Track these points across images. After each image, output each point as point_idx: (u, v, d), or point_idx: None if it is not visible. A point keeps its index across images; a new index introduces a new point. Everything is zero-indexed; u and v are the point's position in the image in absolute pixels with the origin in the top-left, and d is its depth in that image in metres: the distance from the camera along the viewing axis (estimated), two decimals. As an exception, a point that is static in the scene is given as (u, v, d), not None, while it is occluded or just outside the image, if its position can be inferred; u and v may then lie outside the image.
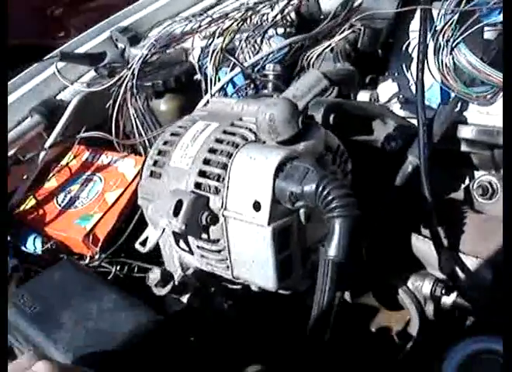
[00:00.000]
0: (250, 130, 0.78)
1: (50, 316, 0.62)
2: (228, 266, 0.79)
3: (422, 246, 0.93)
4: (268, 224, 0.71)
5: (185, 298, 0.83)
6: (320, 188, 0.67)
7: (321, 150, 0.77)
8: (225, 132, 0.79)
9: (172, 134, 0.85)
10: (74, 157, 1.26)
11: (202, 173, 0.77)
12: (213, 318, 0.87)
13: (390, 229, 0.93)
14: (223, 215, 0.75)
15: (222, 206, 0.75)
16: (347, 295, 0.99)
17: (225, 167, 0.75)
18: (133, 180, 1.15)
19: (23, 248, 1.12)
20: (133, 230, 1.07)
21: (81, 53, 1.29)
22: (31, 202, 1.20)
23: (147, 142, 1.17)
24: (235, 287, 0.89)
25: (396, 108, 1.00)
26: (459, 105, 0.94)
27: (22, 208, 1.19)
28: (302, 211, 0.74)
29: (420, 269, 0.95)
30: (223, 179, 0.75)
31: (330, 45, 0.90)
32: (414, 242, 0.93)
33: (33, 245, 1.11)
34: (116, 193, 1.14)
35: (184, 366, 0.70)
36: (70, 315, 0.63)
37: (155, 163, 0.84)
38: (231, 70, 1.11)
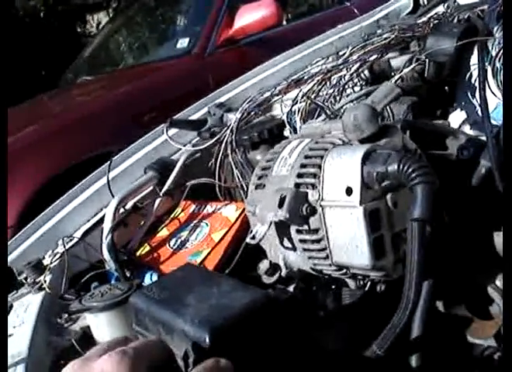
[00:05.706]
0: (338, 139, 0.93)
1: (176, 300, 0.70)
2: (327, 255, 0.90)
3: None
4: (360, 204, 0.83)
5: (290, 288, 0.94)
6: (401, 165, 0.79)
7: (400, 148, 0.90)
8: (317, 142, 0.94)
9: (272, 153, 1.01)
10: (183, 210, 1.43)
11: (299, 175, 0.91)
12: (316, 310, 0.96)
13: (474, 230, 1.01)
14: (321, 205, 0.88)
15: (319, 198, 0.88)
16: (439, 305, 1.06)
17: (319, 166, 0.89)
18: (236, 220, 1.29)
19: (143, 284, 1.26)
20: (237, 263, 1.20)
21: (186, 120, 1.51)
22: (146, 248, 1.36)
23: (245, 187, 1.32)
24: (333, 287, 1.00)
25: (466, 129, 1.12)
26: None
27: (139, 253, 1.35)
28: (389, 196, 0.86)
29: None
30: (318, 176, 0.89)
31: (401, 76, 1.05)
32: (497, 240, 1.01)
33: (150, 280, 1.25)
34: (221, 232, 1.28)
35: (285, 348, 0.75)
36: (194, 297, 0.70)
37: (259, 177, 1.00)
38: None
